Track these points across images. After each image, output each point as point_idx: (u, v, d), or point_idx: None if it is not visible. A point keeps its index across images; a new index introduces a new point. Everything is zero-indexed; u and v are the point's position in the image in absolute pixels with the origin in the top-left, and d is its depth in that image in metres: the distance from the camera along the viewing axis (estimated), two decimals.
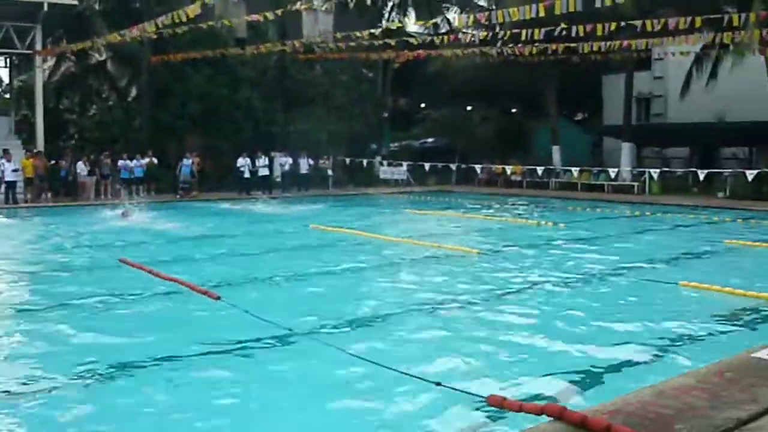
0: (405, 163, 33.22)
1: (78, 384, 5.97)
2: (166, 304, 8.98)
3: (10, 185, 23.25)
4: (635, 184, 28.61)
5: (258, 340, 7.15)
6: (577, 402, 5.30)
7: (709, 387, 4.35)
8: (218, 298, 8.61)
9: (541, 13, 16.53)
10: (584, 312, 8.44)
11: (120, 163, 26.18)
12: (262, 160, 28.18)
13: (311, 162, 30.04)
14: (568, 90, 33.82)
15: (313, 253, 13.57)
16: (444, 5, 37.06)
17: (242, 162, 27.56)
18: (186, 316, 8.41)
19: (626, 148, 30.03)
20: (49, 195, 24.90)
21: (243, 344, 7.03)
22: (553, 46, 23.07)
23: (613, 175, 28.83)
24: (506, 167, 31.55)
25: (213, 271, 11.37)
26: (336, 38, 24.26)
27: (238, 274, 11.07)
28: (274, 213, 21.41)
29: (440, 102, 39.82)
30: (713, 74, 28.04)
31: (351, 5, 21.35)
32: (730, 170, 26.79)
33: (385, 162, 34.33)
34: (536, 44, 22.44)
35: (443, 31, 32.56)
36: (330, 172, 31.09)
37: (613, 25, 19.37)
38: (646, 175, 28.32)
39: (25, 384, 5.92)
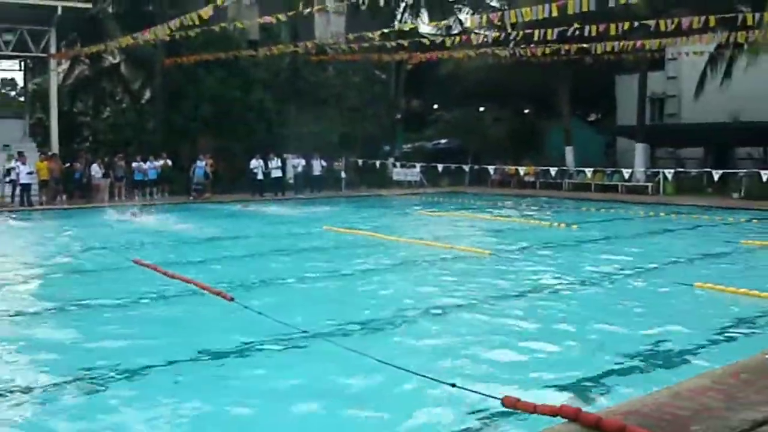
0: (418, 165, 33.17)
1: (78, 384, 5.98)
2: (179, 305, 9.03)
3: (25, 188, 23.39)
4: (649, 184, 28.43)
5: (272, 341, 7.16)
6: (591, 403, 5.28)
7: (725, 388, 4.33)
8: (232, 299, 8.64)
9: (554, 13, 16.42)
10: (598, 313, 8.41)
11: (134, 165, 26.31)
12: (275, 162, 28.24)
13: (324, 163, 30.04)
14: (581, 90, 33.62)
15: (326, 254, 13.62)
16: (456, 6, 37.03)
17: (255, 164, 27.62)
18: (199, 317, 8.46)
19: (640, 149, 29.85)
20: (64, 197, 25.11)
21: (257, 346, 7.05)
22: (566, 47, 22.97)
23: (626, 176, 28.65)
24: (519, 168, 31.48)
25: (226, 272, 11.42)
26: (348, 39, 24.28)
27: (251, 276, 11.08)
28: (287, 215, 21.44)
29: (453, 103, 39.73)
30: (727, 74, 27.84)
31: (363, 6, 21.35)
32: (745, 170, 26.54)
33: (398, 163, 34.26)
34: (549, 44, 22.33)
35: (456, 31, 32.51)
36: (343, 173, 31.05)
37: (627, 25, 19.24)
38: (660, 176, 28.13)
39: (32, 386, 5.95)
